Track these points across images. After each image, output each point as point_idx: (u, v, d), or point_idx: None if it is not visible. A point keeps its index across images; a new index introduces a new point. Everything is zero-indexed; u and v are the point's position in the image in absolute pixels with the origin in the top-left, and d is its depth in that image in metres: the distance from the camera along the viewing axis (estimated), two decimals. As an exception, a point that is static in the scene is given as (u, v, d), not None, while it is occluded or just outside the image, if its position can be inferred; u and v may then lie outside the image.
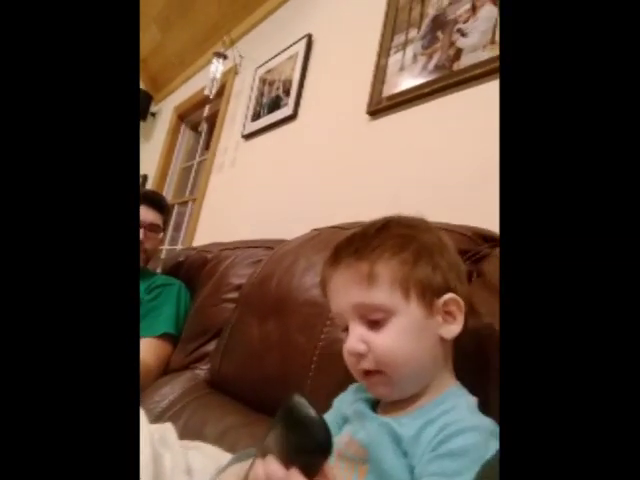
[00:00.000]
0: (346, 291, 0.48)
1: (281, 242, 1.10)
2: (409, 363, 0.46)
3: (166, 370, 1.08)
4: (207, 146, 2.42)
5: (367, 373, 0.47)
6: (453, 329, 0.48)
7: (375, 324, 0.46)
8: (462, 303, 0.48)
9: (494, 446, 0.40)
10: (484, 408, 0.46)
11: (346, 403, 0.54)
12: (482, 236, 0.71)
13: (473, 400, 0.47)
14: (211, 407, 0.89)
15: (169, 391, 0.97)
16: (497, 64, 0.99)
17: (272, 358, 0.82)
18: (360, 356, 0.46)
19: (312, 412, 0.35)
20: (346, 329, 0.49)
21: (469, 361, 0.53)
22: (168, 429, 0.67)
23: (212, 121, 2.30)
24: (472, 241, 0.70)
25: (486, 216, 0.79)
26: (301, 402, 0.35)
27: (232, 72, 2.24)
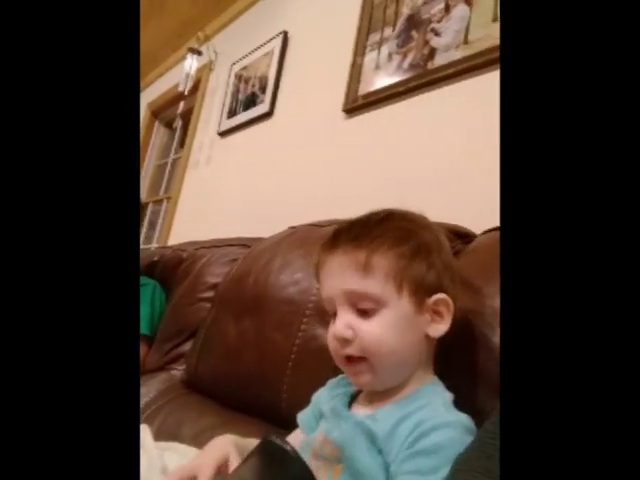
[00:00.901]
0: (340, 276, 0.48)
1: (258, 240, 1.09)
2: (393, 354, 0.46)
3: (141, 371, 1.07)
4: (182, 143, 2.38)
5: (350, 360, 0.47)
6: (440, 328, 0.48)
7: (364, 313, 0.47)
8: (451, 304, 0.48)
9: (468, 441, 0.40)
10: (462, 404, 0.47)
11: (324, 399, 0.54)
12: (455, 232, 0.72)
13: (449, 396, 0.47)
14: (187, 408, 0.88)
15: (145, 392, 0.96)
16: (469, 64, 1.01)
17: (249, 357, 0.82)
18: (345, 342, 0.47)
19: (290, 449, 0.35)
20: (334, 315, 0.49)
21: (444, 355, 0.54)
22: (144, 430, 0.66)
23: (187, 118, 2.27)
24: (446, 237, 0.71)
25: (459, 213, 0.80)
26: (279, 439, 0.35)
27: (207, 68, 2.21)
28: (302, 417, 0.57)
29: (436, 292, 0.48)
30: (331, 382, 0.56)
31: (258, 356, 0.80)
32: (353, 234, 0.49)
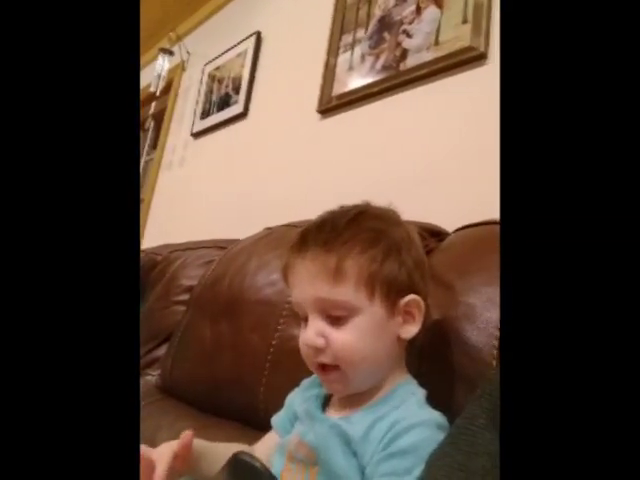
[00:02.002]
0: (310, 284, 0.47)
1: (233, 242, 1.08)
2: (366, 361, 0.46)
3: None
4: (154, 145, 2.34)
5: (323, 367, 0.47)
6: (412, 330, 0.48)
7: (336, 320, 0.46)
8: (422, 304, 0.48)
9: (442, 438, 0.40)
10: (436, 400, 0.47)
11: (298, 400, 0.54)
12: (428, 230, 0.73)
13: (422, 393, 0.47)
14: (163, 413, 0.86)
15: (118, 399, 0.94)
16: (440, 65, 1.02)
17: (225, 360, 0.81)
18: (317, 350, 0.46)
19: (259, 465, 0.34)
20: (305, 319, 0.48)
21: (418, 352, 0.54)
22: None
23: (159, 119, 2.23)
24: (419, 236, 0.72)
25: (432, 212, 0.82)
26: (248, 455, 0.35)
27: (179, 69, 2.18)
28: (276, 420, 0.57)
29: (407, 292, 0.47)
30: (305, 382, 0.56)
31: (235, 359, 0.80)
32: (322, 238, 0.47)
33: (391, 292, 0.46)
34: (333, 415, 0.49)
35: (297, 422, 0.52)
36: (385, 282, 0.46)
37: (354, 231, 0.47)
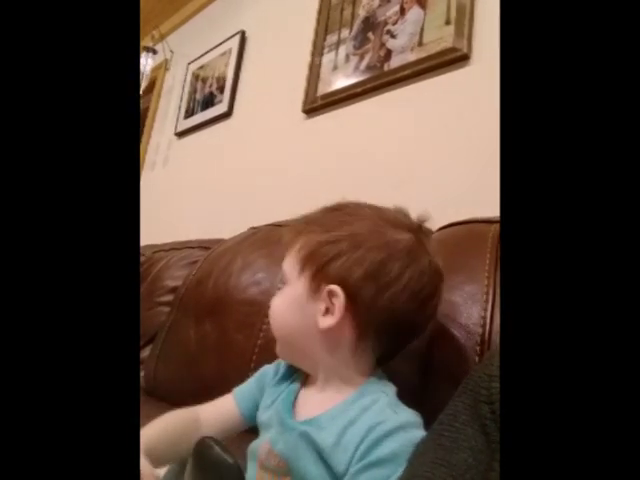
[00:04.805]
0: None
1: (218, 242, 1.07)
2: (281, 329, 0.51)
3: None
4: (138, 144, 2.31)
5: None
6: (327, 321, 0.46)
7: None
8: (343, 300, 0.45)
9: (420, 436, 0.40)
10: (419, 397, 0.48)
11: (270, 390, 0.53)
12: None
13: (392, 391, 0.46)
14: (147, 416, 0.85)
15: (100, 402, 0.92)
16: (424, 65, 1.03)
17: (210, 360, 0.80)
18: None
19: (221, 452, 0.34)
20: None
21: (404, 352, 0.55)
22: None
23: (142, 118, 2.20)
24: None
25: (414, 210, 0.82)
26: (214, 444, 0.35)
27: (162, 67, 2.15)
28: (239, 392, 0.56)
29: (337, 284, 0.45)
30: (282, 367, 0.55)
31: (220, 359, 0.79)
32: (304, 221, 0.51)
33: (318, 276, 0.46)
34: (302, 414, 0.47)
35: (266, 428, 0.50)
36: (316, 264, 0.47)
37: (324, 217, 0.50)
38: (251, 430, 0.55)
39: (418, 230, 0.50)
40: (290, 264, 0.50)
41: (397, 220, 0.50)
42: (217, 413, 0.56)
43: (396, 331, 0.48)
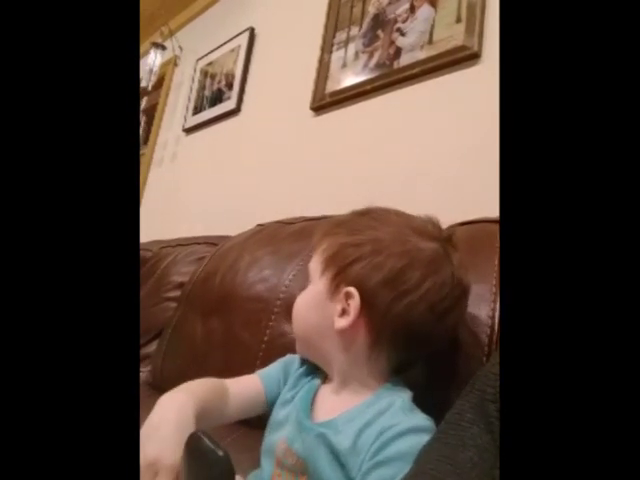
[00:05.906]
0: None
1: (225, 238, 1.08)
2: (299, 326, 0.52)
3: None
4: (145, 140, 2.32)
5: None
6: (341, 322, 0.46)
7: None
8: (358, 302, 0.45)
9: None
10: (427, 398, 0.47)
11: (294, 369, 0.55)
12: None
13: (407, 396, 0.46)
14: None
15: (107, 396, 0.93)
16: (434, 63, 1.03)
17: (216, 356, 0.81)
18: None
19: (210, 444, 0.34)
20: None
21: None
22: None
23: (151, 114, 2.21)
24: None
25: (424, 209, 0.81)
26: (207, 437, 0.35)
27: (171, 64, 2.16)
28: (264, 373, 0.56)
29: (354, 287, 0.46)
30: (301, 368, 0.55)
31: (226, 355, 0.79)
32: (334, 222, 0.53)
33: (338, 277, 0.48)
34: (320, 415, 0.48)
35: (284, 425, 0.49)
36: (337, 265, 0.48)
37: (351, 221, 0.51)
38: (242, 422, 0.55)
39: (446, 240, 0.49)
40: (315, 264, 0.51)
41: (424, 229, 0.49)
42: (245, 391, 0.54)
43: (412, 341, 0.47)
